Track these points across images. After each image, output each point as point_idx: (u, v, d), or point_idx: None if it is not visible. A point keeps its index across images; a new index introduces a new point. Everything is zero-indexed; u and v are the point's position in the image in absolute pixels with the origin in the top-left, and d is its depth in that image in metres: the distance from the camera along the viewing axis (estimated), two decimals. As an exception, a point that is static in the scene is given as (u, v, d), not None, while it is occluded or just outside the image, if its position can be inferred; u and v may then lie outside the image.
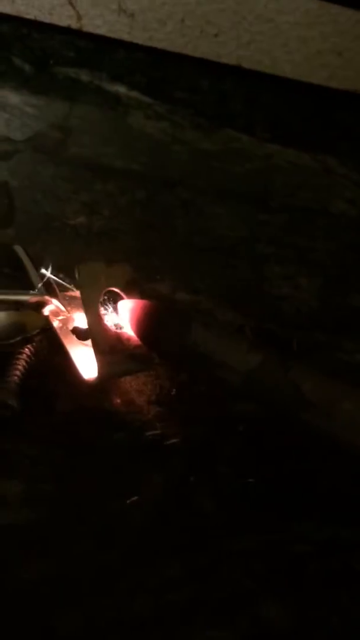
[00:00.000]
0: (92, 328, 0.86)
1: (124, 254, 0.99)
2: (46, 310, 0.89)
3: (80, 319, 0.91)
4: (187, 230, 1.00)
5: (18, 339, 0.86)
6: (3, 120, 0.94)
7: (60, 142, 0.96)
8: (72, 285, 0.93)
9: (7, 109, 0.93)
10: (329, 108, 0.92)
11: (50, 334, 0.89)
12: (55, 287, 0.92)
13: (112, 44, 0.88)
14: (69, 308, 0.91)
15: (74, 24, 0.86)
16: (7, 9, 0.85)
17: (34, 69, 0.92)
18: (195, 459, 0.80)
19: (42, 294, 0.90)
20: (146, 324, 0.87)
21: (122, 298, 0.91)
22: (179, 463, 0.78)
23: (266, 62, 0.87)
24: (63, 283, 0.92)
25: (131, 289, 0.92)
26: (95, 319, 0.87)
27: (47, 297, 0.90)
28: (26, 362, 0.86)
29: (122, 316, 0.90)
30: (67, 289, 0.93)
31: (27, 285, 0.90)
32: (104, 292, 0.90)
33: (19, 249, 0.95)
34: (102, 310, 0.89)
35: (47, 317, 0.89)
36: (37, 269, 0.92)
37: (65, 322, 0.90)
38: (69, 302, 0.91)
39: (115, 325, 0.90)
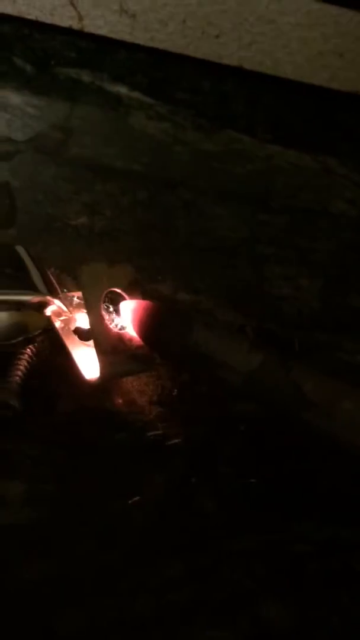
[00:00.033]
0: (94, 328, 0.86)
1: (126, 254, 0.99)
2: (48, 311, 0.89)
3: (82, 320, 0.91)
4: (188, 230, 1.00)
5: (20, 339, 0.86)
6: (4, 120, 0.94)
7: (61, 142, 0.96)
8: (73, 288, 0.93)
9: (9, 109, 0.93)
10: (330, 109, 0.92)
11: (52, 334, 0.89)
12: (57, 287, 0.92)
13: (114, 44, 0.87)
14: (70, 308, 0.91)
15: (75, 25, 0.86)
16: (9, 9, 0.85)
17: (35, 70, 0.92)
18: (197, 459, 0.80)
19: (43, 295, 0.90)
20: (148, 325, 0.87)
21: (124, 299, 0.91)
22: (180, 463, 0.79)
23: (267, 63, 0.87)
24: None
25: (133, 290, 0.92)
26: (97, 319, 0.87)
27: (49, 298, 0.90)
28: (28, 362, 0.86)
29: (124, 317, 0.90)
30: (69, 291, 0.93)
31: (28, 286, 0.90)
32: (105, 292, 0.90)
33: (20, 250, 0.95)
34: (103, 311, 0.89)
35: (49, 318, 0.89)
36: (39, 269, 0.92)
37: (67, 322, 0.90)
38: (70, 302, 0.92)
39: (117, 325, 0.90)
